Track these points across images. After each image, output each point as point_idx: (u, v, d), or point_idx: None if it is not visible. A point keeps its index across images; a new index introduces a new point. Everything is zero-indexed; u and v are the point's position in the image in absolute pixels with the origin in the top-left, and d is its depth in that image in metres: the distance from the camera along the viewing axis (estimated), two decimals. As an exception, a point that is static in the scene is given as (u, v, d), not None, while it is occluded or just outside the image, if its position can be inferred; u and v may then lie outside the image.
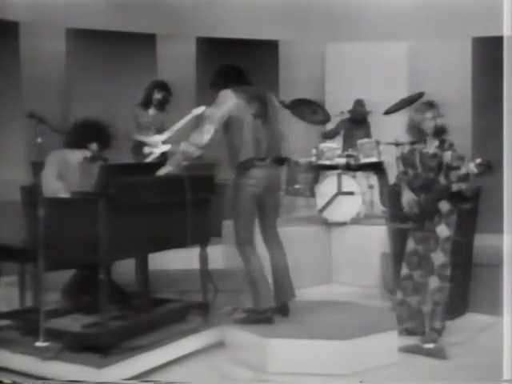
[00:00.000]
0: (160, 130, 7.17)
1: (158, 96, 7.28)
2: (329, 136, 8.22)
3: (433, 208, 4.96)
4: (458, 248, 5.37)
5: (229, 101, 4.91)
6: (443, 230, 5.00)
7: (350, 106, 8.16)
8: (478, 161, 4.76)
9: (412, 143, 5.16)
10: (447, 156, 4.95)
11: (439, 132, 5.01)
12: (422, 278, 5.08)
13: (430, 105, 5.08)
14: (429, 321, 4.97)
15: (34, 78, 7.64)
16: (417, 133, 5.07)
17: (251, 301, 5.01)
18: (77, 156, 5.31)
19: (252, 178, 4.90)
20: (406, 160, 5.19)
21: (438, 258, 5.02)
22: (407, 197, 5.09)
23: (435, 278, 5.03)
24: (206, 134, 4.86)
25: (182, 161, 4.99)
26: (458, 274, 5.49)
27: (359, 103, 8.15)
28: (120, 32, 8.06)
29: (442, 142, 5.02)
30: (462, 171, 4.82)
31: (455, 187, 4.90)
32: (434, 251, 5.03)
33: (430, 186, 4.98)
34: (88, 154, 5.31)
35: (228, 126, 4.92)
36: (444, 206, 4.98)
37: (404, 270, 5.19)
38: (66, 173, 5.22)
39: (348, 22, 8.71)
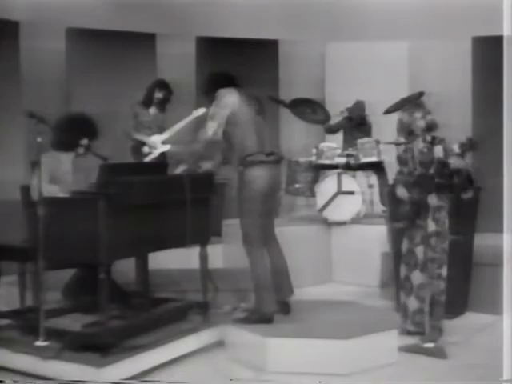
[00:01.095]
0: (160, 130, 7.15)
1: (159, 95, 7.27)
2: (332, 130, 8.21)
3: (422, 202, 4.96)
4: (457, 247, 5.38)
5: (231, 98, 4.96)
6: (430, 225, 5.00)
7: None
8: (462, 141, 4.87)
9: (407, 143, 5.18)
10: (438, 150, 4.97)
11: (430, 129, 5.06)
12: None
13: (417, 105, 5.13)
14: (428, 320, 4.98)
15: (34, 77, 7.63)
16: (407, 133, 5.11)
17: (253, 301, 5.02)
18: (69, 157, 5.31)
19: (257, 176, 4.91)
20: (401, 159, 5.22)
21: (423, 252, 5.00)
22: (400, 192, 5.12)
23: (418, 273, 5.03)
24: (209, 129, 4.90)
25: (193, 159, 5.06)
26: (458, 273, 5.49)
27: (358, 105, 8.14)
28: (120, 32, 8.05)
29: (433, 138, 5.06)
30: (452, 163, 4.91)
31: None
32: (418, 246, 5.03)
33: (422, 182, 5.00)
34: (80, 150, 5.33)
35: (232, 123, 4.93)
36: (432, 200, 4.98)
37: (403, 271, 5.20)
38: (59, 175, 5.22)
39: (348, 22, 8.70)
